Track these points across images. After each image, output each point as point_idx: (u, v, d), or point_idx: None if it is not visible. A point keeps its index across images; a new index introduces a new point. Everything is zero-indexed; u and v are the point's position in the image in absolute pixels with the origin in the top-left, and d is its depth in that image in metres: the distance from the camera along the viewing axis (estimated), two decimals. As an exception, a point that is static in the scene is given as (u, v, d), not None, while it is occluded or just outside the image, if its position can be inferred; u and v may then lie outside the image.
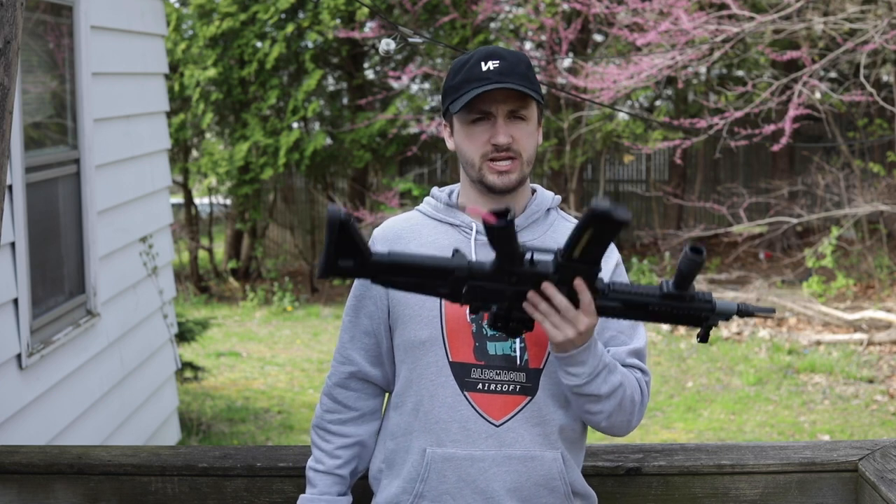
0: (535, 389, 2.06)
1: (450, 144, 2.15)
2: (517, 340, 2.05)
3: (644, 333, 2.14)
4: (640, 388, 2.09)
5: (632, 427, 2.11)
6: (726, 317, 1.90)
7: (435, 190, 2.20)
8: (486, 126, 2.06)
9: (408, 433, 2.10)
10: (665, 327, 10.21)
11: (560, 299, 1.87)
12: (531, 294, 1.87)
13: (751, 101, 10.50)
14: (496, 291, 1.88)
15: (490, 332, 2.05)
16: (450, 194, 2.18)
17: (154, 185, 6.55)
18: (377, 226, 2.39)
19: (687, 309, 1.89)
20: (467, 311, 2.05)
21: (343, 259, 1.81)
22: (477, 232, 2.10)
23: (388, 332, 2.15)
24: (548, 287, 1.87)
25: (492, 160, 2.06)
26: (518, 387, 2.06)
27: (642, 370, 2.11)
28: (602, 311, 1.91)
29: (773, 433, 7.23)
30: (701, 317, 1.90)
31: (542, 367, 2.06)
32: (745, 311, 1.90)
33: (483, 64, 2.05)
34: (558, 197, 2.24)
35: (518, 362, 2.05)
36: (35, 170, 4.70)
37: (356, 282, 2.17)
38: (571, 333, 1.89)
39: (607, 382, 2.00)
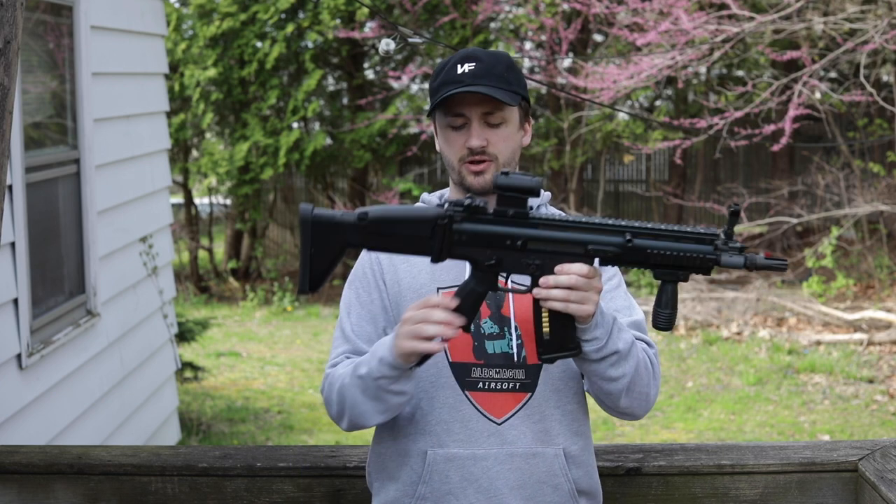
0: (534, 385, 2.06)
1: (437, 145, 2.18)
2: (514, 338, 2.06)
3: (639, 309, 2.15)
4: (649, 357, 2.07)
5: (650, 401, 2.07)
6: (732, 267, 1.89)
7: (425, 195, 2.21)
8: (464, 130, 2.08)
9: (405, 435, 2.10)
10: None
11: (571, 276, 1.87)
12: (543, 280, 1.88)
13: (751, 101, 10.50)
14: (492, 235, 1.90)
15: (488, 331, 2.06)
16: (440, 198, 2.20)
17: (154, 185, 6.55)
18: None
19: (691, 251, 1.88)
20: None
21: (325, 250, 1.90)
22: None
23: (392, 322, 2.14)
24: (560, 267, 1.87)
25: (469, 162, 2.08)
26: (518, 384, 2.06)
27: (647, 342, 2.10)
28: (604, 261, 1.91)
29: (773, 433, 7.23)
30: (706, 265, 1.88)
31: (540, 363, 2.07)
32: (752, 265, 1.87)
33: (459, 66, 2.06)
34: (548, 193, 2.25)
35: (516, 359, 2.06)
36: (35, 170, 4.70)
37: (353, 286, 2.17)
38: (596, 297, 1.89)
39: (622, 339, 1.98)
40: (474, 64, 2.05)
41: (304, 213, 1.90)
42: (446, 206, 1.90)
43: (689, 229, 1.90)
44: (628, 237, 1.88)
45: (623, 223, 1.89)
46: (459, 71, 2.05)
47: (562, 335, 1.92)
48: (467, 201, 1.90)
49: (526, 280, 1.97)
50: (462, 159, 2.08)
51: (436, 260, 1.91)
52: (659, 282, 1.92)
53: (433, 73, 2.13)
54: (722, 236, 1.89)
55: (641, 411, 2.08)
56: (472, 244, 1.90)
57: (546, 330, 1.92)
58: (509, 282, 2.00)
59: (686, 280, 1.92)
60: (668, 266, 1.89)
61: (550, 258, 1.89)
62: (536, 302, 1.91)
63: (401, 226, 1.90)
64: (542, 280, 1.88)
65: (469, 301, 1.94)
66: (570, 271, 1.86)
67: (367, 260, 2.16)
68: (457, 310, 1.92)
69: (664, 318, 1.92)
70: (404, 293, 2.10)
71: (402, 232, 1.90)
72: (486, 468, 2.05)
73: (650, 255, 1.88)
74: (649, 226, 1.89)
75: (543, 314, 1.92)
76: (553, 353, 1.94)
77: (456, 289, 2.00)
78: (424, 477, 2.07)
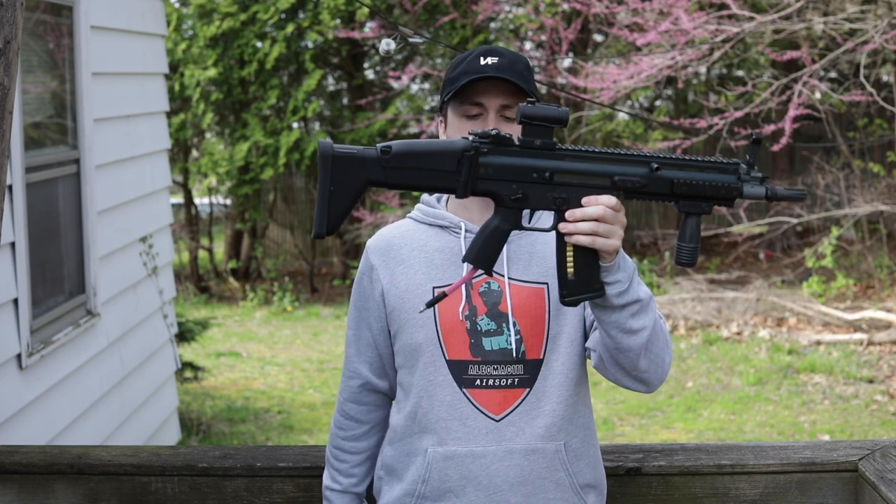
0: (532, 381, 2.06)
1: (443, 139, 2.16)
2: (512, 333, 2.06)
3: (644, 285, 2.13)
4: (662, 323, 2.04)
5: (665, 368, 2.03)
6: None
7: (424, 196, 2.22)
8: (478, 122, 2.08)
9: (408, 436, 2.10)
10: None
11: (599, 206, 1.84)
12: (570, 213, 1.84)
13: (751, 101, 10.50)
14: (519, 168, 1.85)
15: (485, 328, 2.06)
16: (438, 199, 2.21)
17: (154, 185, 6.55)
18: (377, 226, 2.41)
19: (715, 181, 1.86)
20: (460, 310, 2.06)
21: (348, 181, 1.81)
22: (466, 231, 2.12)
23: (389, 340, 2.17)
24: (588, 199, 1.84)
25: None
26: (516, 380, 2.06)
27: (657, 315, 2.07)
28: (630, 193, 1.88)
29: (773, 433, 7.23)
30: (730, 195, 1.87)
31: (542, 357, 2.06)
32: (773, 196, 1.87)
33: (482, 59, 2.08)
34: None
35: (514, 355, 2.05)
36: (35, 170, 4.70)
37: (354, 293, 2.20)
38: (621, 232, 1.87)
39: (642, 289, 1.95)
40: (497, 58, 2.07)
41: (324, 149, 1.82)
42: (471, 138, 1.86)
43: (712, 159, 1.88)
44: (655, 166, 1.85)
45: (648, 154, 1.87)
46: (483, 62, 2.07)
47: (587, 274, 1.87)
48: (493, 131, 1.85)
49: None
50: None
51: (461, 195, 1.85)
52: (682, 216, 1.90)
53: (451, 65, 2.13)
54: (743, 166, 1.88)
55: (657, 378, 2.03)
56: (498, 177, 1.85)
57: (570, 270, 1.88)
58: (535, 222, 1.93)
59: (710, 212, 1.89)
60: (693, 197, 1.87)
61: (577, 191, 1.85)
62: (561, 239, 1.87)
63: (425, 159, 1.83)
64: (568, 213, 1.84)
65: (493, 240, 1.88)
66: (599, 202, 1.84)
67: (364, 265, 2.18)
68: (479, 251, 1.89)
69: (688, 252, 1.89)
70: (403, 295, 2.10)
71: (426, 165, 1.83)
72: (485, 465, 2.05)
73: (675, 185, 1.86)
74: (673, 156, 1.87)
75: (568, 252, 1.87)
76: (578, 294, 1.88)
77: (451, 286, 2.00)
78: (425, 475, 2.07)
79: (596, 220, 1.83)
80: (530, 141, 1.85)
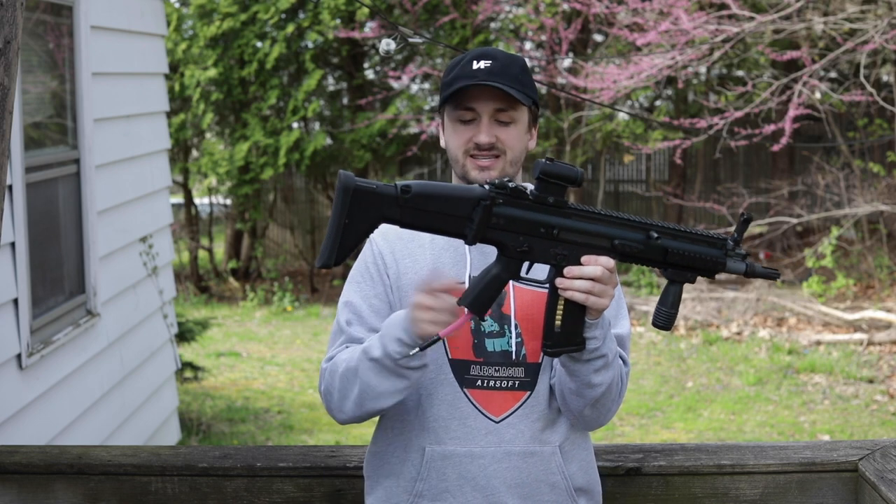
0: (533, 384, 2.06)
1: (441, 141, 2.18)
2: (513, 335, 2.06)
3: (628, 321, 2.15)
4: (622, 376, 2.09)
5: (607, 419, 2.09)
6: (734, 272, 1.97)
7: None
8: (472, 125, 2.09)
9: (403, 432, 2.10)
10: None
11: (598, 267, 1.88)
12: (567, 270, 1.88)
13: (751, 101, 10.50)
14: (528, 222, 1.88)
15: (488, 329, 2.06)
16: None
17: (154, 185, 6.55)
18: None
19: (704, 254, 1.93)
20: (465, 309, 2.06)
21: (361, 218, 1.82)
22: None
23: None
24: (588, 258, 1.88)
25: (473, 156, 2.08)
26: (517, 382, 2.06)
27: (624, 360, 2.11)
28: (625, 256, 1.93)
29: (773, 433, 7.23)
30: (714, 269, 1.94)
31: (540, 361, 2.07)
32: (751, 272, 1.94)
33: (475, 62, 2.07)
34: None
35: (514, 357, 2.06)
36: (35, 170, 4.70)
37: (356, 273, 2.15)
38: (613, 293, 1.91)
39: (611, 347, 2.00)
40: (490, 62, 2.07)
41: (346, 182, 1.81)
42: (487, 186, 1.87)
43: (703, 232, 1.94)
44: (655, 235, 1.90)
45: (647, 221, 1.92)
46: (475, 67, 2.06)
47: (572, 329, 1.93)
48: (511, 184, 1.87)
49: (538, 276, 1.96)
50: (467, 152, 2.09)
51: (471, 242, 1.87)
52: (666, 281, 1.96)
53: (447, 68, 2.13)
54: (730, 242, 1.94)
55: (595, 424, 2.09)
56: (507, 229, 1.87)
57: (557, 323, 1.92)
58: (531, 273, 1.97)
59: (693, 282, 1.96)
60: (681, 266, 1.93)
61: (577, 250, 1.90)
62: (554, 292, 1.91)
63: (442, 203, 1.85)
64: (567, 270, 1.88)
65: (492, 288, 1.91)
66: (599, 263, 1.88)
67: (370, 254, 2.15)
68: (477, 297, 1.91)
69: (667, 316, 1.95)
70: (405, 289, 2.09)
71: (441, 210, 1.85)
72: (483, 466, 2.05)
73: (668, 255, 1.92)
74: (670, 226, 1.93)
75: (559, 306, 1.92)
76: (561, 346, 1.94)
77: (446, 331, 1.98)
78: (423, 474, 2.07)
79: (593, 279, 1.87)
80: (544, 197, 1.89)
